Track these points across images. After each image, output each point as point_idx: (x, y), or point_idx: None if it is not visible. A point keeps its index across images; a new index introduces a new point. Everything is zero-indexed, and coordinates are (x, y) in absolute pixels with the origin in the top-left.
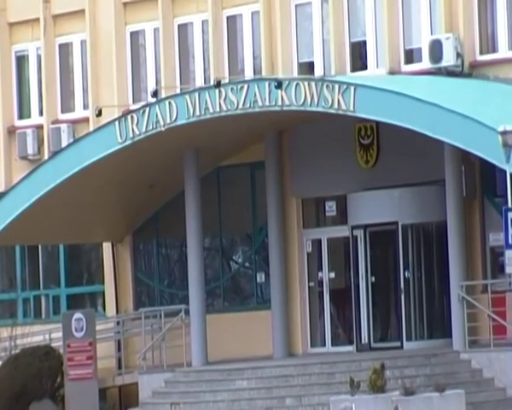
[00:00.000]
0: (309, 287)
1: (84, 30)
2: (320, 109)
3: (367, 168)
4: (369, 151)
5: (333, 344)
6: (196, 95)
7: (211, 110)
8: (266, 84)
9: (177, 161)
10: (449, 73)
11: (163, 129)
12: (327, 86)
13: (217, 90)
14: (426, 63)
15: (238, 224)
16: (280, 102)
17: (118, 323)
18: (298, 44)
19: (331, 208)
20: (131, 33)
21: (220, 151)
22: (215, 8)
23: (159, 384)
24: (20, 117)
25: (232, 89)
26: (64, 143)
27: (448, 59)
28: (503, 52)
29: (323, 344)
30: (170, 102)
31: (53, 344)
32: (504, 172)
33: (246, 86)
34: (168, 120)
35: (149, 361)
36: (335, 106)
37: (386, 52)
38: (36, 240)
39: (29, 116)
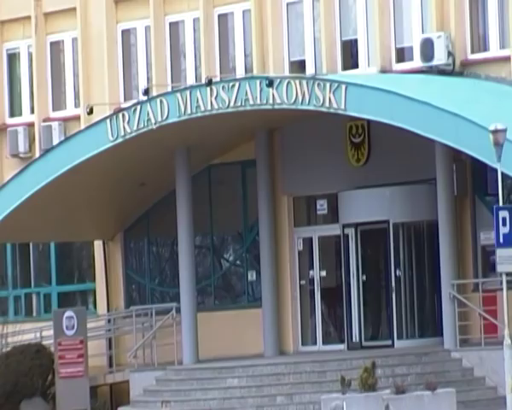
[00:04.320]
0: (300, 285)
1: (75, 28)
2: (311, 108)
3: (358, 167)
4: (361, 150)
5: (324, 343)
6: (188, 93)
7: (202, 108)
8: (257, 82)
9: (169, 160)
10: (440, 71)
11: (154, 127)
12: (318, 85)
13: (208, 89)
14: (417, 62)
15: (229, 222)
16: (271, 101)
17: (109, 321)
18: (289, 43)
19: (322, 207)
20: (123, 31)
21: (211, 149)
22: (206, 7)
23: (150, 382)
24: (12, 115)
25: (223, 87)
26: (55, 141)
27: (439, 58)
28: (494, 51)
29: (314, 343)
30: (161, 101)
31: (44, 342)
32: (495, 170)
33: (237, 84)
34: (159, 118)
35: (140, 359)
36: (326, 104)
37: (377, 51)
38: (27, 238)
39: (20, 114)
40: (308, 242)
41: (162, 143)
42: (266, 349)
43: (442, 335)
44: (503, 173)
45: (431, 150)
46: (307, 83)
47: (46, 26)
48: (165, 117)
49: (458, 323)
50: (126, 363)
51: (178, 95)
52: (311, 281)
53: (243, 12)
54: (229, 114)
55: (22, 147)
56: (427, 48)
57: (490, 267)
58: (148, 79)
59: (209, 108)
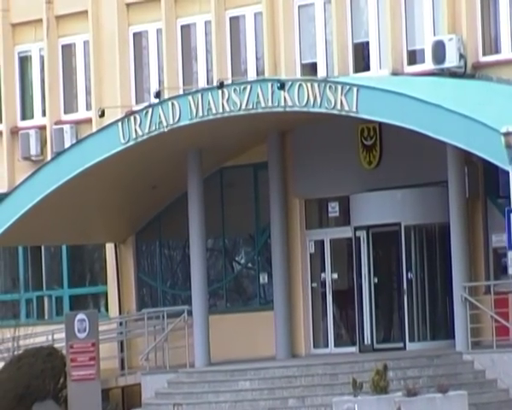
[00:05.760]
0: (312, 288)
1: (87, 31)
2: (323, 110)
3: (370, 169)
4: (372, 152)
5: (336, 345)
6: (199, 96)
7: (214, 111)
8: (269, 85)
9: (180, 162)
10: (452, 74)
11: (166, 130)
12: (330, 87)
13: (220, 91)
14: (429, 64)
15: (241, 225)
16: (283, 103)
17: (121, 324)
18: (301, 45)
19: (334, 209)
20: (134, 34)
21: (223, 152)
22: (218, 9)
23: (161, 385)
24: (23, 118)
25: (235, 90)
26: (67, 144)
27: (451, 60)
28: (505, 53)
29: (326, 345)
30: (173, 103)
31: (56, 345)
32: (507, 173)
33: (249, 87)
34: (171, 121)
35: (152, 362)
36: (338, 107)
37: (389, 53)
38: (39, 241)
39: (32, 117)
40: (320, 244)
41: (174, 145)
42: (278, 352)
43: (454, 337)
44: None
45: (442, 153)
46: (319, 85)
47: (58, 29)
48: (176, 120)
49: (470, 325)
50: (138, 366)
51: (190, 98)
52: (323, 283)
53: (255, 14)
54: (240, 117)
55: (34, 150)
56: (439, 50)
57: (501, 270)
58: (160, 82)
59: (221, 110)
